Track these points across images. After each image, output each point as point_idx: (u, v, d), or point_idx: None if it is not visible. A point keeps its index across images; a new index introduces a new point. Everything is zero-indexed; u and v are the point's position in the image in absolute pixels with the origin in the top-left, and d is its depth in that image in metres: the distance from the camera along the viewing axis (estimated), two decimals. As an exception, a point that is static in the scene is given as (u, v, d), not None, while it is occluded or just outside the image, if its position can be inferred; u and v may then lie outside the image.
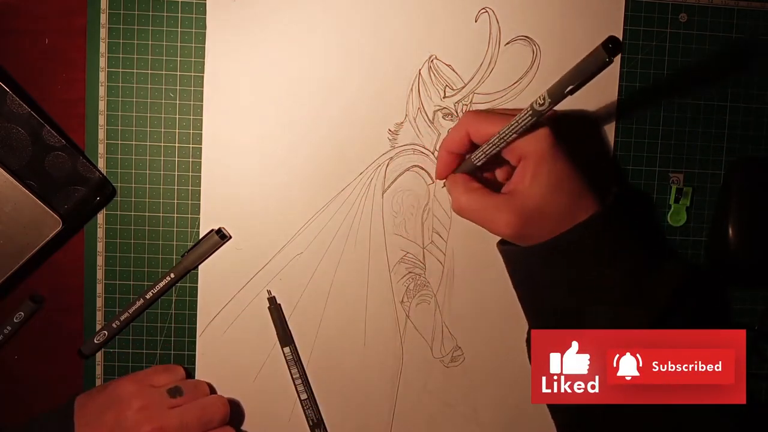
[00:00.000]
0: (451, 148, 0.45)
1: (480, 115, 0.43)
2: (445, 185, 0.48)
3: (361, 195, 0.50)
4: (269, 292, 0.50)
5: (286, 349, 0.50)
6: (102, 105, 0.49)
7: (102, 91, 0.49)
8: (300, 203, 0.50)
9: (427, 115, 0.50)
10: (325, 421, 0.51)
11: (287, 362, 0.50)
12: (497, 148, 0.43)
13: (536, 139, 0.41)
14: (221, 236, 0.49)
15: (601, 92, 0.51)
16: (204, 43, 0.49)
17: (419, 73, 0.50)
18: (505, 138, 0.41)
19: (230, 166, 0.49)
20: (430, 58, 0.50)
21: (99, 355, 0.50)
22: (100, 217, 0.50)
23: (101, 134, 0.49)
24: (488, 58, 0.50)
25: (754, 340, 0.53)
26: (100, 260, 0.50)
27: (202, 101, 0.49)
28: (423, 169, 0.51)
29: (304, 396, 0.50)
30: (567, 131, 0.43)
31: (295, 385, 0.50)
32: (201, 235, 0.49)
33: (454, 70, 0.50)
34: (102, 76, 0.49)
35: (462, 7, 0.50)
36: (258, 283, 0.50)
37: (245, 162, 0.49)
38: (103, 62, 0.48)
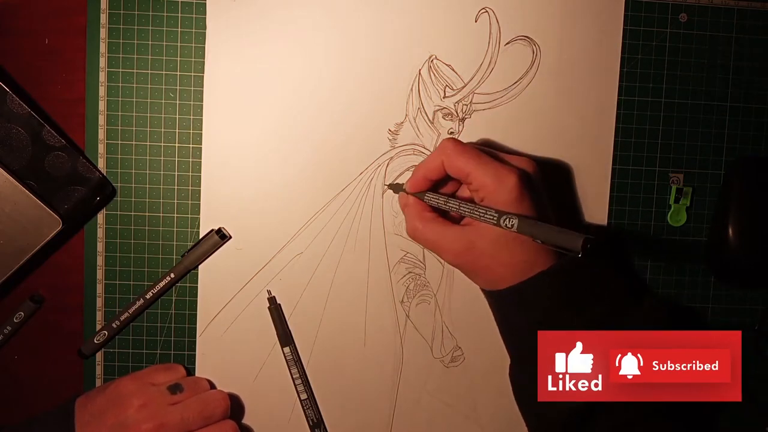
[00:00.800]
0: (426, 173, 0.45)
1: (457, 147, 0.43)
2: (399, 201, 0.48)
3: (361, 195, 0.50)
4: (269, 292, 0.50)
5: (286, 349, 0.50)
6: (102, 105, 0.49)
7: (102, 91, 0.49)
8: (300, 203, 0.50)
9: (427, 115, 0.50)
10: (325, 421, 0.51)
11: (287, 362, 0.50)
12: (453, 211, 0.43)
13: (502, 189, 0.40)
14: (221, 236, 0.49)
15: (601, 92, 0.51)
16: (204, 43, 0.49)
17: (419, 73, 0.50)
18: (461, 210, 0.42)
19: (230, 166, 0.49)
20: (430, 58, 0.50)
21: (99, 355, 0.50)
22: (100, 217, 0.50)
23: (101, 134, 0.49)
24: (488, 58, 0.50)
25: (754, 340, 0.53)
26: (100, 260, 0.50)
27: (202, 101, 0.49)
28: (423, 169, 0.51)
29: (304, 396, 0.50)
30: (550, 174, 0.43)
31: (295, 385, 0.50)
32: (201, 235, 0.49)
33: (454, 70, 0.50)
34: (102, 76, 0.49)
35: (462, 7, 0.50)
36: (258, 283, 0.50)
37: (245, 162, 0.49)
38: (103, 62, 0.48)
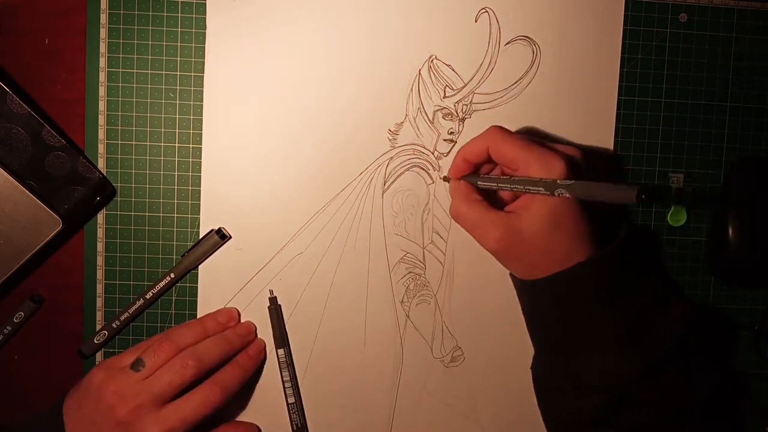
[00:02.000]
0: (468, 156, 0.45)
1: (504, 134, 0.43)
2: (448, 188, 0.48)
3: (361, 195, 0.50)
4: (271, 291, 0.50)
5: (280, 351, 0.50)
6: (102, 105, 0.49)
7: (102, 91, 0.49)
8: (300, 203, 0.50)
9: (427, 115, 0.50)
10: (324, 422, 0.51)
11: (279, 365, 0.50)
12: (503, 188, 0.43)
13: (549, 173, 0.41)
14: (221, 236, 0.49)
15: (601, 92, 0.51)
16: (204, 43, 0.49)
17: (419, 73, 0.50)
18: (514, 187, 0.42)
19: (230, 166, 0.49)
20: (430, 58, 0.50)
21: (99, 355, 0.50)
22: (100, 217, 0.50)
23: (101, 134, 0.49)
24: (488, 58, 0.50)
25: (754, 340, 0.53)
26: (100, 260, 0.50)
27: (202, 101, 0.49)
28: (423, 169, 0.51)
29: (291, 400, 0.50)
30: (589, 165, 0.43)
31: (284, 389, 0.50)
32: (201, 235, 0.49)
33: (454, 70, 0.50)
34: (102, 76, 0.49)
35: (462, 7, 0.50)
36: (258, 283, 0.50)
37: (245, 162, 0.49)
38: (103, 62, 0.48)
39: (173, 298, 0.50)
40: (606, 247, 0.42)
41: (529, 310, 0.45)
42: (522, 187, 0.41)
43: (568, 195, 0.39)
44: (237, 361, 0.48)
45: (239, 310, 0.50)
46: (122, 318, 0.49)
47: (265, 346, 0.50)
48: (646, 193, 0.34)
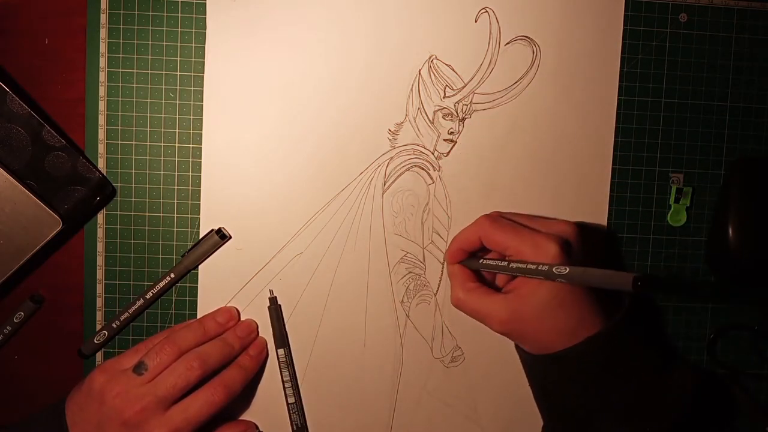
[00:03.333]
0: (462, 245, 0.46)
1: (494, 222, 0.44)
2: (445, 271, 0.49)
3: (361, 195, 0.50)
4: (271, 291, 0.50)
5: (280, 351, 0.50)
6: (102, 105, 0.49)
7: (102, 91, 0.49)
8: (300, 203, 0.50)
9: (427, 115, 0.50)
10: (324, 422, 0.51)
11: (279, 365, 0.50)
12: (501, 272, 0.44)
13: (543, 256, 0.41)
14: (221, 236, 0.49)
15: (601, 92, 0.51)
16: (204, 43, 0.49)
17: (419, 73, 0.50)
18: (510, 271, 0.42)
19: (230, 166, 0.49)
20: (430, 58, 0.50)
21: (99, 355, 0.50)
22: (100, 217, 0.50)
23: (101, 134, 0.49)
24: (488, 58, 0.50)
25: (754, 340, 0.53)
26: (100, 260, 0.50)
27: (202, 101, 0.49)
28: (423, 169, 0.51)
29: (291, 400, 0.50)
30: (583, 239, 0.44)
31: (284, 389, 0.50)
32: (201, 235, 0.49)
33: (454, 70, 0.50)
34: (102, 76, 0.49)
35: (462, 7, 0.50)
36: (258, 283, 0.50)
37: (245, 162, 0.49)
38: (103, 62, 0.48)
39: (173, 298, 0.50)
40: (610, 321, 0.42)
41: (537, 383, 0.46)
42: (521, 272, 0.42)
43: (564, 281, 0.39)
44: (239, 362, 0.48)
45: (239, 310, 0.50)
46: (122, 318, 0.49)
47: (266, 344, 0.50)
48: (642, 281, 0.34)
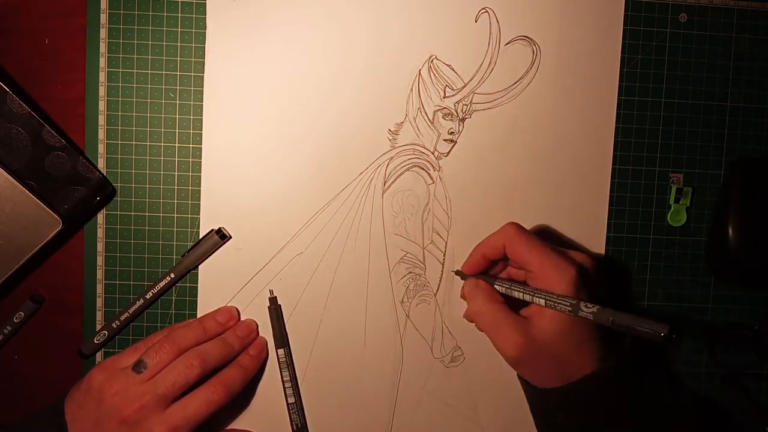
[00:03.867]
0: (485, 252, 0.46)
1: (520, 233, 0.44)
2: (464, 285, 0.48)
3: (361, 195, 0.50)
4: (271, 292, 0.50)
5: (280, 351, 0.50)
6: (102, 105, 0.49)
7: (102, 91, 0.49)
8: (300, 203, 0.50)
9: (427, 115, 0.50)
10: (324, 422, 0.51)
11: (279, 365, 0.50)
12: (522, 296, 0.43)
13: (562, 280, 0.41)
14: (221, 236, 0.49)
15: (601, 92, 0.51)
16: (204, 43, 0.49)
17: (419, 73, 0.50)
18: (533, 297, 0.42)
19: (230, 166, 0.49)
20: (430, 58, 0.50)
21: (99, 355, 0.50)
22: (100, 217, 0.50)
23: (101, 134, 0.49)
24: (488, 58, 0.50)
25: (754, 339, 0.53)
26: (100, 260, 0.50)
27: (202, 101, 0.49)
28: (423, 169, 0.51)
29: (291, 400, 0.50)
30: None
31: (284, 389, 0.50)
32: (201, 235, 0.49)
33: (454, 70, 0.50)
34: (102, 76, 0.49)
35: (462, 7, 0.50)
36: (258, 283, 0.50)
37: (245, 162, 0.49)
38: (103, 62, 0.48)
39: (173, 298, 0.50)
40: (614, 358, 0.42)
41: (541, 416, 0.46)
42: (546, 301, 0.42)
43: (591, 318, 0.39)
44: (239, 361, 0.48)
45: (239, 309, 0.50)
46: (122, 318, 0.49)
47: (266, 344, 0.50)
48: (677, 334, 0.34)
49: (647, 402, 0.43)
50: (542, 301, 0.42)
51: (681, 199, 0.52)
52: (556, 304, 0.41)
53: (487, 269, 0.48)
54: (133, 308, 0.49)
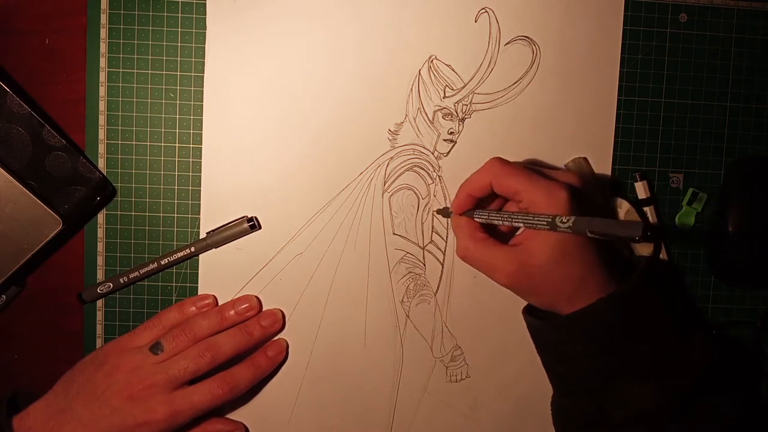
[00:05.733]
0: (471, 191, 0.45)
1: (506, 166, 0.43)
2: (451, 224, 0.48)
3: (361, 195, 0.50)
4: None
5: None
6: (102, 105, 0.49)
7: (102, 91, 0.49)
8: (300, 203, 0.50)
9: (427, 115, 0.50)
10: (324, 422, 0.51)
11: None
12: (501, 222, 0.43)
13: (553, 203, 0.41)
14: (251, 225, 0.49)
15: (601, 92, 0.51)
16: (204, 43, 0.49)
17: (419, 73, 0.50)
18: (514, 221, 0.42)
19: (230, 166, 0.49)
20: (430, 58, 0.50)
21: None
22: (100, 217, 0.50)
23: (101, 134, 0.49)
24: (488, 58, 0.50)
25: (755, 337, 0.53)
26: (100, 260, 0.50)
27: (202, 101, 0.49)
28: (423, 169, 0.51)
29: None
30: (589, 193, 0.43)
31: None
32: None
33: (454, 70, 0.50)
34: (102, 76, 0.49)
35: (462, 7, 0.50)
36: (258, 283, 0.50)
37: (245, 162, 0.49)
38: (103, 62, 0.48)
39: (173, 297, 0.50)
40: (628, 280, 0.42)
41: (548, 348, 0.45)
42: (524, 222, 0.41)
43: (569, 232, 0.39)
44: (254, 360, 0.48)
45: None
46: (131, 276, 0.49)
47: (286, 347, 0.50)
48: (652, 230, 0.34)
49: (660, 326, 0.42)
50: (521, 223, 0.41)
51: (694, 203, 0.52)
52: (534, 224, 0.40)
53: (475, 206, 0.46)
54: (145, 270, 0.49)
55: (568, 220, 0.38)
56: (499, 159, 0.44)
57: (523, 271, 0.42)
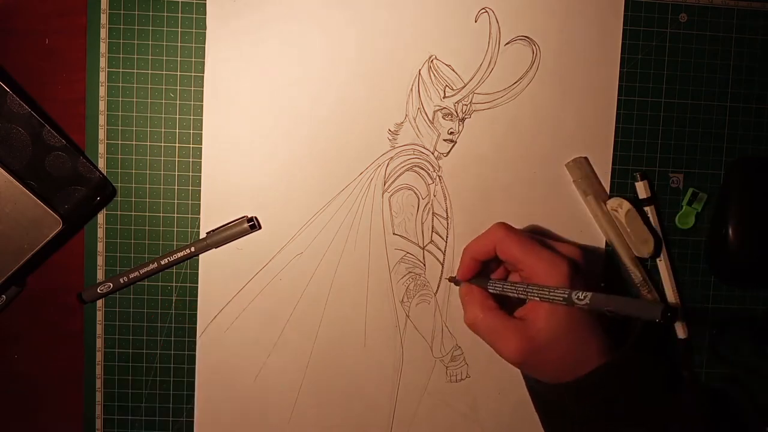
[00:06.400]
0: (476, 255, 0.45)
1: (509, 233, 0.43)
2: (459, 292, 0.47)
3: (361, 195, 0.50)
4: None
5: None
6: (102, 105, 0.49)
7: (102, 91, 0.49)
8: (300, 203, 0.50)
9: (427, 115, 0.50)
10: (324, 422, 0.51)
11: None
12: (514, 294, 0.43)
13: (554, 276, 0.41)
14: (251, 225, 0.49)
15: (601, 93, 0.51)
16: (204, 43, 0.49)
17: (419, 73, 0.50)
18: (528, 295, 0.42)
19: (230, 166, 0.49)
20: (430, 58, 0.50)
21: (99, 355, 0.50)
22: (100, 217, 0.50)
23: (101, 134, 0.49)
24: (488, 58, 0.50)
25: (754, 339, 0.53)
26: (100, 260, 0.50)
27: (202, 101, 0.49)
28: (423, 169, 0.51)
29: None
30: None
31: None
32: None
33: (454, 70, 0.50)
34: (102, 76, 0.49)
35: (462, 7, 0.50)
36: (258, 283, 0.50)
37: (245, 162, 0.49)
38: (103, 62, 0.48)
39: (173, 298, 0.50)
40: (619, 350, 0.42)
41: (548, 412, 0.45)
42: (540, 296, 0.41)
43: (586, 304, 0.39)
44: None
45: (239, 310, 0.50)
46: (131, 276, 0.49)
47: None
48: (672, 312, 0.34)
49: (657, 385, 0.43)
50: (536, 297, 0.41)
51: (694, 203, 0.52)
52: (550, 298, 0.40)
53: (481, 270, 0.47)
54: (145, 270, 0.49)
55: (585, 297, 0.38)
56: (504, 225, 0.44)
57: (531, 346, 0.41)
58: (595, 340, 0.42)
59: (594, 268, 0.43)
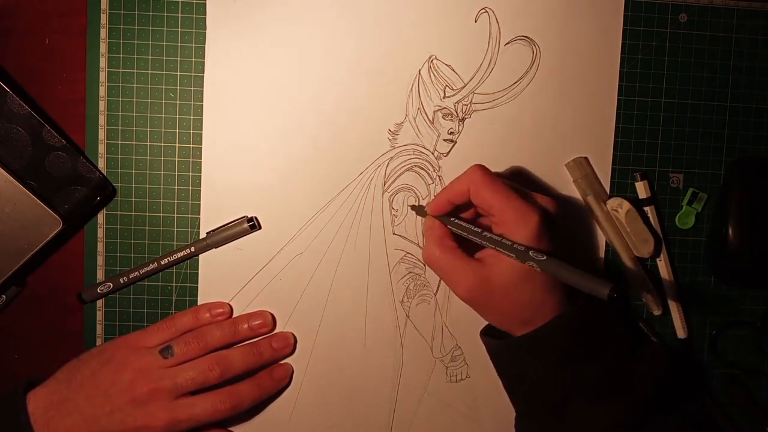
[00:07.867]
0: (450, 196, 0.44)
1: (486, 177, 0.42)
2: (422, 223, 0.47)
3: (361, 195, 0.50)
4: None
5: None
6: (102, 105, 0.49)
7: (102, 91, 0.49)
8: (300, 203, 0.50)
9: (427, 115, 0.50)
10: (324, 422, 0.51)
11: None
12: (474, 238, 0.43)
13: (523, 227, 0.40)
14: (251, 225, 0.49)
15: (601, 93, 0.51)
16: (204, 43, 0.49)
17: (419, 73, 0.50)
18: (484, 242, 0.42)
19: (230, 166, 0.49)
20: (430, 58, 0.50)
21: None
22: (100, 217, 0.50)
23: (101, 134, 0.49)
24: (488, 58, 0.50)
25: (755, 337, 0.53)
26: (100, 260, 0.50)
27: (202, 101, 0.49)
28: (423, 169, 0.51)
29: None
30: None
31: None
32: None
33: (454, 70, 0.50)
34: (102, 76, 0.49)
35: (462, 7, 0.50)
36: (258, 283, 0.50)
37: (245, 162, 0.49)
38: (103, 62, 0.48)
39: (173, 298, 0.50)
40: (578, 302, 0.42)
41: (508, 371, 0.45)
42: (495, 246, 0.41)
43: (537, 268, 0.38)
44: (259, 381, 0.48)
45: (239, 310, 0.50)
46: (131, 276, 0.49)
47: (292, 372, 0.50)
48: (618, 294, 0.34)
49: (613, 342, 0.43)
50: (491, 246, 0.41)
51: (694, 202, 0.52)
52: (505, 251, 0.40)
53: (453, 213, 0.45)
54: (145, 270, 0.49)
55: (539, 257, 0.38)
56: (481, 167, 0.43)
57: (483, 288, 0.41)
58: (551, 296, 0.41)
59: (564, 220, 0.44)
